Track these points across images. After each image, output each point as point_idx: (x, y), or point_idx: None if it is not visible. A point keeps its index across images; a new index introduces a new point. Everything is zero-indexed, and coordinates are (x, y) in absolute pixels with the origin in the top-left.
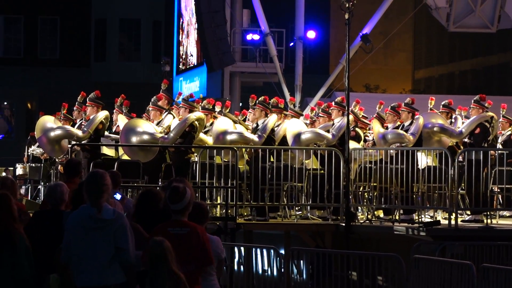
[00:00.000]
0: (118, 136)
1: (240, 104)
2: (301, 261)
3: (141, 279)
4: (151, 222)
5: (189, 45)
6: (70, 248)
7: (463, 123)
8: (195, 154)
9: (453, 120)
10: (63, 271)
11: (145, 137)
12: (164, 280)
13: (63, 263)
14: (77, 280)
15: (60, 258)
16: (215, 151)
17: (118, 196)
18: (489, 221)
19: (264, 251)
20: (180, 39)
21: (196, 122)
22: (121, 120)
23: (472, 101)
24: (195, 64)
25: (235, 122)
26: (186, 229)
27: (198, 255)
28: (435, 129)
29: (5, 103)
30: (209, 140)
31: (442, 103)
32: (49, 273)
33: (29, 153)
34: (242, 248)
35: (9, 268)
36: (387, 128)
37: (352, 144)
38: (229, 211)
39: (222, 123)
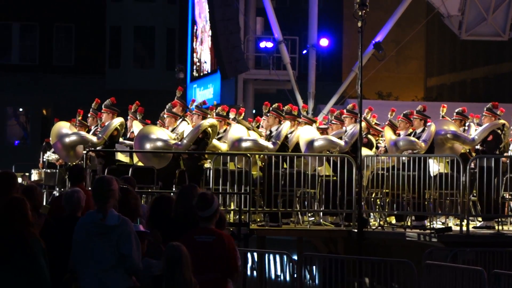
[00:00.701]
0: (133, 143)
1: (254, 111)
2: (314, 267)
3: (157, 283)
4: (164, 226)
5: (203, 52)
6: (75, 253)
7: (475, 130)
8: (209, 160)
9: (466, 128)
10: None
11: (159, 143)
12: (179, 284)
13: (71, 267)
14: (83, 285)
15: (69, 264)
16: (228, 157)
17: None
18: (500, 227)
19: (277, 256)
20: (194, 46)
21: (209, 129)
22: (136, 127)
23: (485, 109)
24: (209, 71)
25: (248, 129)
26: (212, 237)
27: (224, 263)
28: (448, 135)
29: (21, 109)
30: (222, 146)
31: (456, 111)
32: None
33: (44, 159)
34: (255, 254)
35: (23, 271)
36: (399, 135)
37: (365, 151)
38: (243, 217)
39: (237, 131)
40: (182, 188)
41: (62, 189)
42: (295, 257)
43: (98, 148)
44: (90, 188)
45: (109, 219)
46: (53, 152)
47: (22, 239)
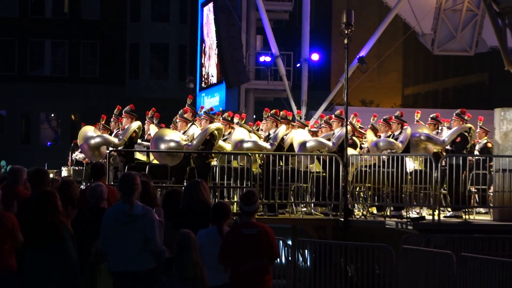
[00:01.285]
0: (149, 143)
1: (254, 116)
2: (306, 251)
3: (169, 265)
4: (175, 216)
5: (210, 67)
6: (105, 239)
7: (447, 132)
8: (215, 159)
9: (439, 131)
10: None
11: (172, 144)
12: (188, 266)
13: (100, 251)
14: (112, 266)
15: (98, 247)
16: (232, 156)
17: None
18: (467, 217)
19: None
20: (203, 61)
21: (215, 132)
22: (152, 130)
23: (454, 114)
24: (215, 82)
25: (250, 131)
26: (257, 229)
27: (268, 251)
28: (422, 137)
29: (52, 115)
30: (227, 146)
31: (431, 116)
32: (88, 260)
33: (73, 158)
34: (273, 244)
35: (55, 255)
36: (380, 137)
37: (350, 151)
38: None
39: (239, 133)
40: (188, 183)
41: (88, 184)
42: (290, 242)
43: (119, 148)
44: (112, 183)
45: (135, 209)
46: (80, 152)
47: (54, 227)
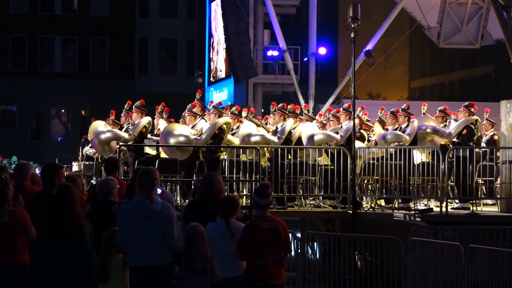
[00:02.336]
0: (159, 138)
1: (262, 110)
2: (315, 243)
3: (179, 258)
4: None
5: (219, 62)
6: (124, 233)
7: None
8: (224, 152)
9: (447, 124)
10: (111, 250)
11: (181, 138)
12: (196, 259)
13: (118, 246)
14: (130, 260)
15: (115, 242)
16: (241, 150)
17: (159, 191)
18: (474, 208)
19: None
20: (211, 56)
21: (224, 126)
22: (162, 124)
23: (462, 106)
24: (224, 77)
25: (258, 125)
26: (275, 223)
27: (285, 244)
28: (428, 130)
29: (63, 110)
30: (235, 140)
31: (439, 109)
32: (99, 251)
33: (83, 153)
34: (288, 237)
35: (76, 248)
36: (387, 129)
37: (358, 144)
38: None
39: (247, 127)
40: (204, 175)
41: (99, 178)
42: (299, 235)
43: (129, 143)
44: (122, 178)
45: (155, 205)
46: (91, 147)
47: (75, 220)
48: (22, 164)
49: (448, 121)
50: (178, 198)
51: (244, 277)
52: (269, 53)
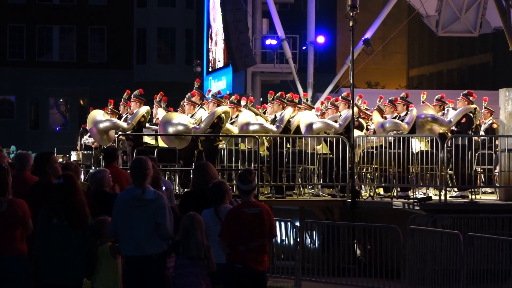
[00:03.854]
0: (158, 127)
1: (261, 99)
2: (314, 232)
3: (175, 247)
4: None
5: (217, 52)
6: (117, 223)
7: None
8: (223, 142)
9: (445, 112)
10: (102, 239)
11: (180, 127)
12: (193, 247)
13: (111, 235)
14: (123, 250)
15: (108, 231)
16: (240, 139)
17: (163, 187)
18: (473, 196)
19: (282, 223)
20: (209, 46)
21: (223, 115)
22: (160, 114)
23: (461, 94)
24: (222, 66)
25: (256, 114)
26: (259, 208)
27: (269, 230)
28: (427, 119)
29: (61, 100)
30: (234, 129)
31: (436, 97)
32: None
33: (82, 142)
34: (273, 223)
35: (82, 239)
36: (386, 118)
37: (356, 132)
38: None
39: (246, 116)
40: (197, 165)
41: (98, 168)
42: (298, 224)
43: (128, 132)
44: (120, 167)
45: (147, 194)
46: (89, 136)
47: (80, 209)
48: (23, 154)
49: (446, 109)
50: (177, 187)
51: (227, 261)
52: (268, 42)
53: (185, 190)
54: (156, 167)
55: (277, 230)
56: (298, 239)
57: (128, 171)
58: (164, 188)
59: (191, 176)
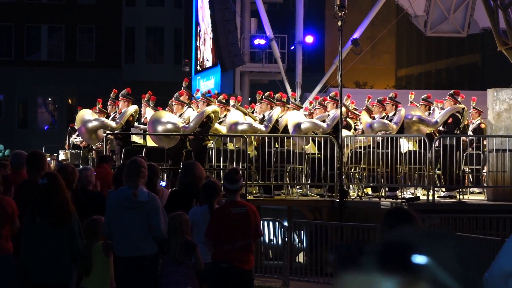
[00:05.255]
0: (146, 126)
1: (249, 98)
2: (302, 232)
3: (162, 246)
4: (170, 197)
5: (205, 51)
6: (110, 223)
7: (439, 113)
8: (211, 141)
9: (431, 112)
10: (92, 239)
11: (169, 126)
12: (177, 246)
13: (105, 234)
14: (117, 250)
15: (102, 230)
16: (228, 138)
17: (163, 183)
18: (461, 197)
19: (271, 223)
20: (198, 44)
21: (212, 114)
22: (148, 113)
23: (448, 94)
24: (210, 66)
25: (245, 114)
26: (245, 208)
27: (254, 229)
28: (414, 119)
29: (49, 99)
30: (223, 129)
31: (422, 97)
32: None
33: (70, 142)
34: (258, 223)
35: (67, 237)
36: (374, 118)
37: (344, 132)
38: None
39: (234, 115)
40: (185, 164)
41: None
42: (286, 224)
43: (116, 131)
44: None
45: (140, 196)
46: (78, 136)
47: (64, 207)
48: (18, 153)
49: (432, 109)
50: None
51: (212, 261)
52: (256, 41)
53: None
54: (157, 166)
55: (265, 229)
56: (286, 239)
57: (116, 170)
58: (164, 184)
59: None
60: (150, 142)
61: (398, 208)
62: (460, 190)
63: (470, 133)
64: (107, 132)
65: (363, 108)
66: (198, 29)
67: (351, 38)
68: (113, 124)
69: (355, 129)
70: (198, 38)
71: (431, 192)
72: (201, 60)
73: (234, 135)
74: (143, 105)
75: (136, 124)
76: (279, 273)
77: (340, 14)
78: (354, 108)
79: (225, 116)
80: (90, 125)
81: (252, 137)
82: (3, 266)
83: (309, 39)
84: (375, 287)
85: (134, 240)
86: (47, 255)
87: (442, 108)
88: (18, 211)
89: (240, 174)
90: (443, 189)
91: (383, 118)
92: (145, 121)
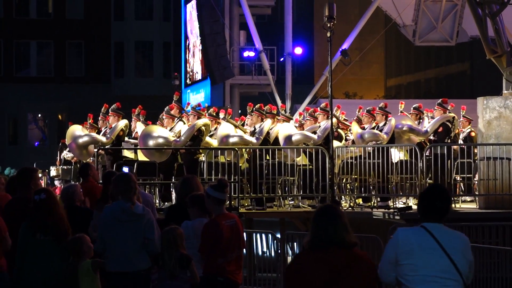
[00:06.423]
0: (137, 141)
1: (239, 111)
2: (295, 243)
3: (156, 260)
4: (166, 211)
5: (195, 64)
6: (104, 238)
7: (429, 122)
8: (203, 154)
9: (421, 121)
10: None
11: (160, 140)
12: (172, 260)
13: (98, 251)
14: (110, 265)
15: (95, 247)
16: (219, 151)
17: (126, 169)
18: (453, 205)
19: (263, 235)
20: (187, 57)
21: (203, 127)
22: (139, 127)
23: (436, 104)
24: (200, 78)
25: (236, 126)
26: (233, 220)
27: (242, 241)
28: (404, 129)
29: (39, 115)
30: (213, 142)
31: (413, 106)
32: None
33: (61, 157)
34: (244, 234)
35: (60, 250)
36: (364, 128)
37: (335, 143)
38: (233, 202)
39: (225, 128)
40: (183, 178)
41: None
42: (279, 236)
43: (107, 146)
44: (100, 182)
45: (136, 208)
46: (69, 151)
47: (59, 223)
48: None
49: (421, 118)
50: (157, 201)
51: (206, 273)
52: (245, 54)
53: (169, 204)
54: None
55: (258, 242)
56: (279, 251)
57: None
58: (127, 170)
59: (174, 189)
60: (141, 157)
61: (328, 206)
62: (452, 198)
63: (460, 141)
64: (98, 147)
65: (354, 118)
66: (187, 42)
67: (340, 49)
68: (103, 139)
69: (345, 140)
70: (187, 51)
71: None
72: (190, 73)
73: (225, 148)
74: (133, 119)
75: (126, 138)
76: (273, 285)
77: (329, 25)
78: (344, 119)
79: (215, 129)
80: (80, 140)
81: (243, 149)
82: None
83: (298, 50)
84: None
85: (129, 255)
86: (46, 270)
87: (432, 117)
88: (9, 228)
89: (227, 185)
90: None
91: (373, 128)
92: (135, 135)
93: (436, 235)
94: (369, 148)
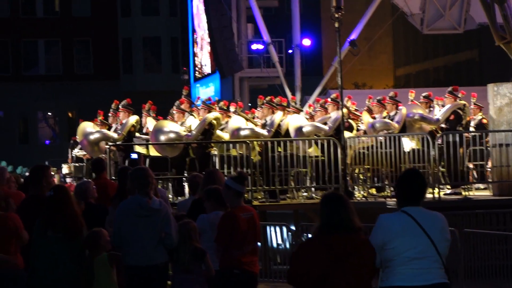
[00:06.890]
0: (148, 136)
1: (249, 104)
2: (309, 235)
3: (171, 254)
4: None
5: (203, 57)
6: (121, 232)
7: (439, 111)
8: (215, 148)
9: (431, 109)
10: (94, 251)
11: (172, 135)
12: (186, 254)
13: (115, 245)
14: (127, 260)
15: (112, 241)
16: (231, 145)
17: (134, 155)
18: (466, 193)
19: (277, 228)
20: (195, 51)
21: (214, 121)
22: (149, 123)
23: (447, 92)
24: (209, 72)
25: (246, 119)
26: (251, 213)
27: (258, 234)
28: (416, 117)
29: (49, 113)
30: (225, 135)
31: (423, 95)
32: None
33: (73, 155)
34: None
35: (76, 247)
36: (375, 118)
37: (347, 134)
38: (246, 195)
39: (236, 121)
40: (207, 171)
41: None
42: (293, 227)
43: (118, 142)
44: (113, 178)
45: (153, 203)
46: (80, 149)
47: (74, 219)
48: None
49: (431, 106)
50: (171, 196)
51: (222, 267)
52: (254, 46)
53: (182, 198)
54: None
55: (272, 234)
56: (294, 243)
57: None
58: (136, 156)
59: (186, 183)
60: (153, 152)
61: (334, 193)
62: (465, 186)
63: (472, 129)
64: (109, 143)
65: (364, 108)
66: (195, 35)
67: (349, 40)
68: (115, 135)
69: (357, 130)
70: (195, 45)
71: (436, 190)
72: (199, 66)
73: (237, 141)
74: (143, 115)
75: (137, 134)
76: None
77: (336, 15)
78: (355, 109)
79: (226, 122)
80: (92, 137)
81: (255, 142)
82: (12, 282)
83: (306, 42)
84: None
85: (146, 249)
86: (58, 268)
87: (442, 106)
88: (25, 225)
89: (247, 177)
90: (448, 186)
91: (384, 117)
92: (146, 131)
93: (417, 218)
94: (380, 138)
